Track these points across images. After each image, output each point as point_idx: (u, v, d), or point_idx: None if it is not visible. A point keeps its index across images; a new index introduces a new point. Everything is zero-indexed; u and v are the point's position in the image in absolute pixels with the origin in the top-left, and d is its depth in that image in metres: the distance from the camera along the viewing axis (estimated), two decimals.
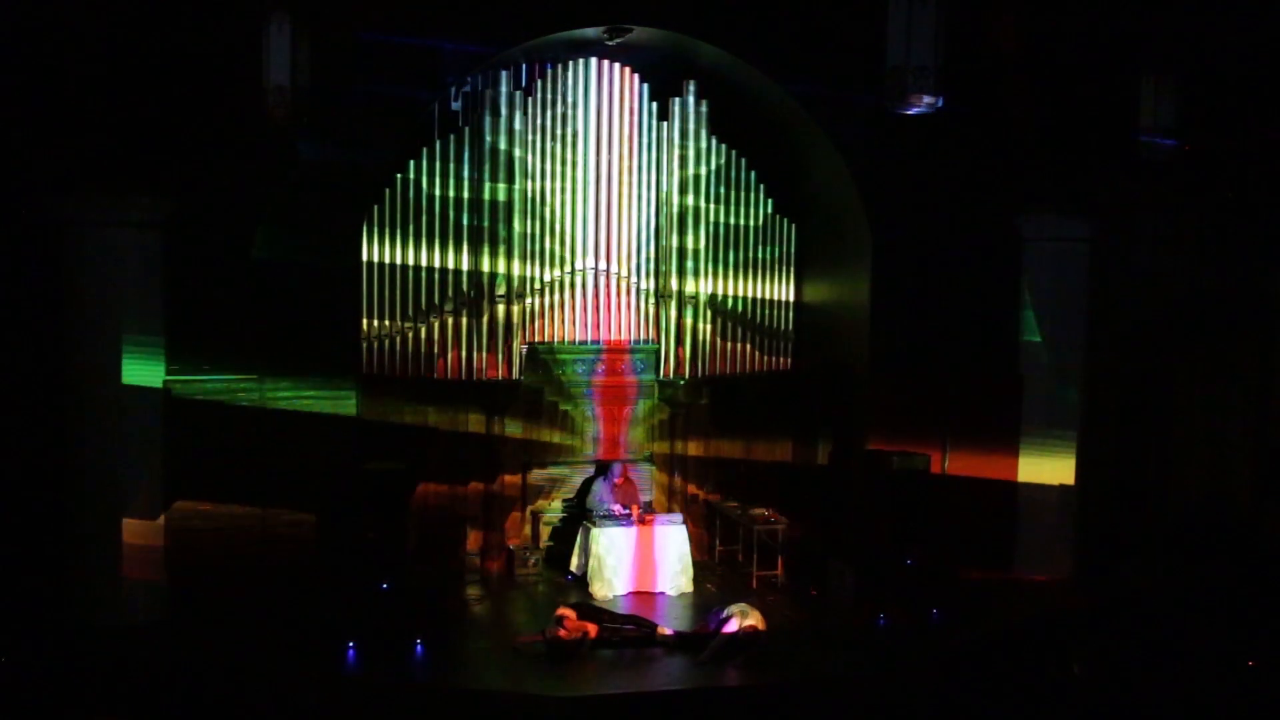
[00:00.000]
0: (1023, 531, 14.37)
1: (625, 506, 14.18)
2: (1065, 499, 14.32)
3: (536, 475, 14.88)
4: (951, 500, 13.84)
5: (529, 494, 14.89)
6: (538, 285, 14.33)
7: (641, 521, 13.77)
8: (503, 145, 14.00)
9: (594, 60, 14.42)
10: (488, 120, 13.95)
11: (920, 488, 13.31)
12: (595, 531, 13.70)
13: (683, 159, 14.71)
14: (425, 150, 13.79)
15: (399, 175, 13.66)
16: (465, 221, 13.95)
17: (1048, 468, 14.32)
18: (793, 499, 15.20)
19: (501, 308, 14.08)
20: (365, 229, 13.47)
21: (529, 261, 14.25)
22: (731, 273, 15.07)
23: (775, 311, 15.33)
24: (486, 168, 13.96)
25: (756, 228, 15.16)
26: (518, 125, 14.07)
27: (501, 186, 14.02)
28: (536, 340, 14.44)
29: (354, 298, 13.24)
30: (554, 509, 14.87)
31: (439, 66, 13.01)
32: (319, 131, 11.90)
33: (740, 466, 15.55)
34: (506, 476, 14.71)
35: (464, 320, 13.99)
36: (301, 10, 10.66)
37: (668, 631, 12.24)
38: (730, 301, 15.06)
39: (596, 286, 14.57)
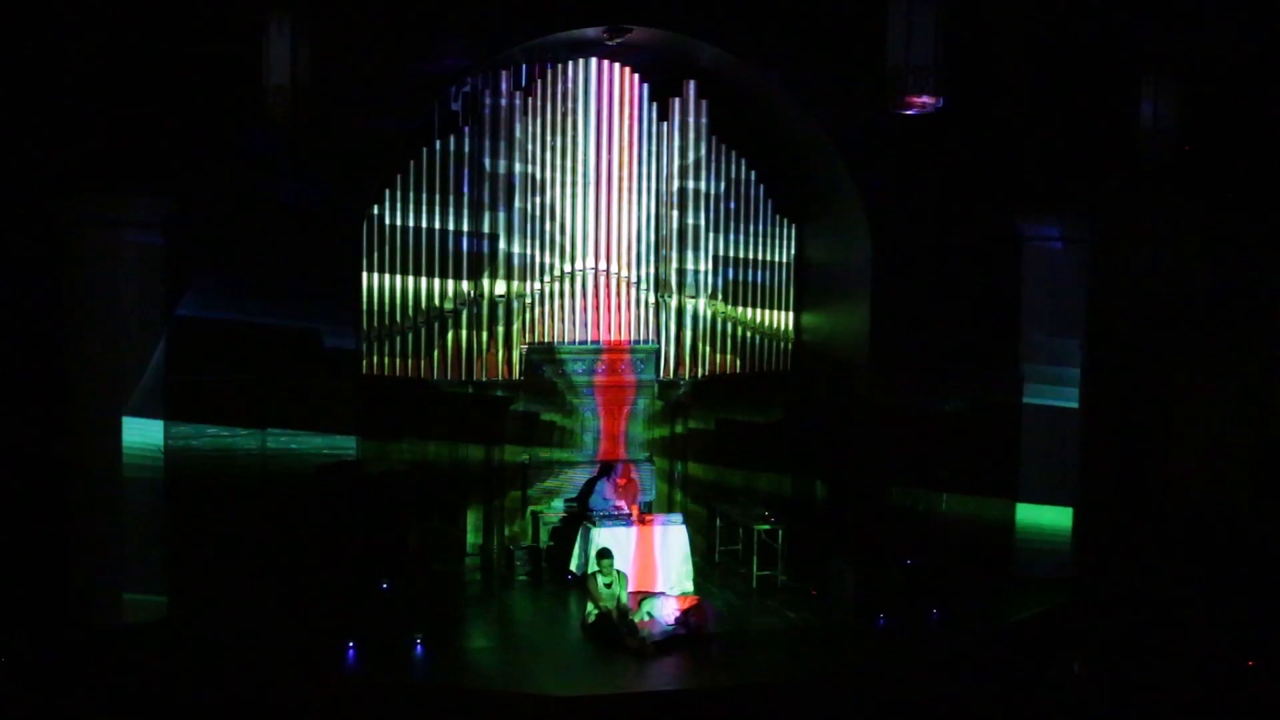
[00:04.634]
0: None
1: (625, 506, 14.18)
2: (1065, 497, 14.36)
3: (536, 475, 14.87)
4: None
5: (529, 494, 14.89)
6: (538, 285, 14.33)
7: (642, 521, 13.75)
8: (502, 145, 13.99)
9: (594, 60, 14.40)
10: (488, 120, 13.94)
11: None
12: (595, 531, 13.68)
13: (682, 159, 14.71)
14: (425, 150, 13.79)
15: (399, 175, 13.66)
16: (465, 222, 13.95)
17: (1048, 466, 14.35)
18: (793, 499, 15.19)
19: (502, 308, 14.08)
20: (365, 229, 13.48)
21: (529, 261, 14.25)
22: (731, 273, 15.06)
23: (775, 311, 15.32)
24: (486, 168, 13.96)
25: (756, 228, 15.15)
26: (517, 125, 14.06)
27: (501, 187, 14.02)
28: (537, 340, 14.44)
29: (354, 298, 13.24)
30: (554, 509, 14.85)
31: (439, 67, 13.00)
32: (319, 131, 11.87)
33: (740, 466, 15.52)
34: (506, 476, 14.71)
35: (464, 321, 14.00)
36: (301, 10, 10.66)
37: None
38: (730, 301, 15.05)
39: (596, 286, 14.57)
